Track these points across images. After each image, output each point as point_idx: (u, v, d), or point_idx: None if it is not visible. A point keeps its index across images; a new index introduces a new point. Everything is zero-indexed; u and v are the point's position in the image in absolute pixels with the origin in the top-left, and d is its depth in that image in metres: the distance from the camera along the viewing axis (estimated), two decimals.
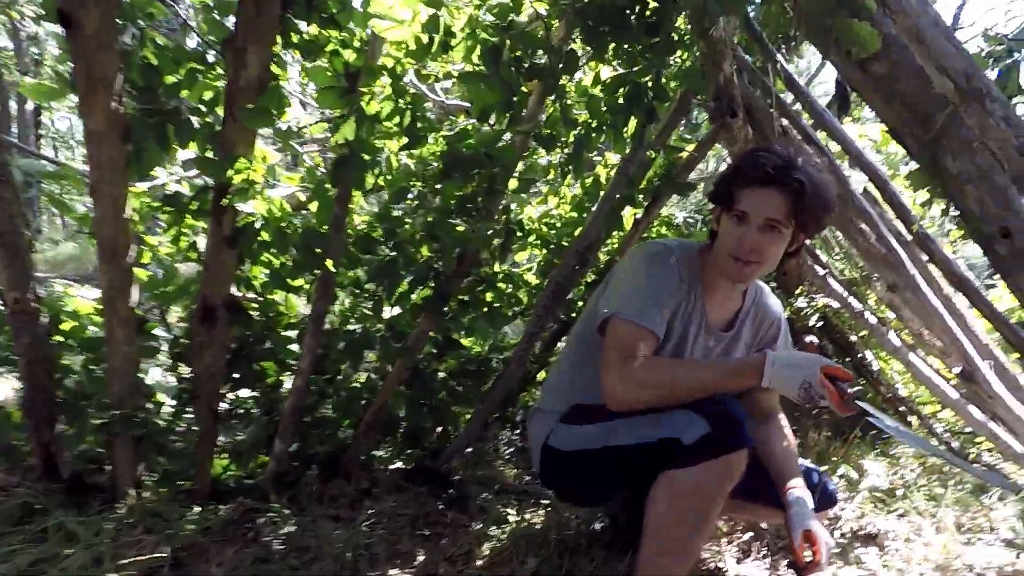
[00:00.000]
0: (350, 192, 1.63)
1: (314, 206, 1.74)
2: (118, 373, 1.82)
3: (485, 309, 2.25)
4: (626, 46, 1.62)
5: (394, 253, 1.70)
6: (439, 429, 2.46)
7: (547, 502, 2.24)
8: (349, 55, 1.43)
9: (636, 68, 1.71)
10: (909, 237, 1.96)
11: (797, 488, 1.54)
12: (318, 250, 1.61)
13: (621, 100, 1.75)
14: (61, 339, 1.84)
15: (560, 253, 2.23)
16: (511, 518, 2.06)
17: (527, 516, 2.12)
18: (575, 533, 1.97)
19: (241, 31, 1.35)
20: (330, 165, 1.59)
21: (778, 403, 1.75)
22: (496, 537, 1.94)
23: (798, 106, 2.00)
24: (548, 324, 2.49)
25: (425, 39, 1.33)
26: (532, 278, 2.35)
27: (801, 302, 2.72)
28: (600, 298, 1.57)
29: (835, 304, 2.48)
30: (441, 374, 2.42)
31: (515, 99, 1.53)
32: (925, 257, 1.96)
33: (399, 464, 2.46)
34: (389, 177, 1.63)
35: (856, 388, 1.29)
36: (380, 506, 2.09)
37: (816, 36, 1.31)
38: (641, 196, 2.30)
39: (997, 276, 1.27)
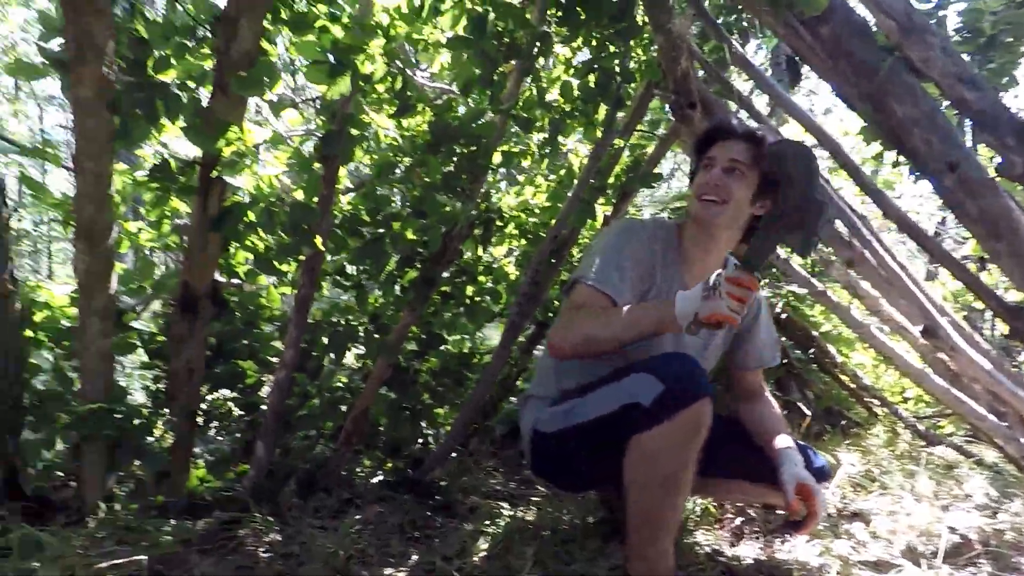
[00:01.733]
0: (337, 169, 1.66)
1: (299, 193, 1.76)
2: (91, 369, 1.75)
3: (467, 302, 2.28)
4: (595, 32, 1.74)
5: (381, 230, 1.72)
6: (420, 440, 2.43)
7: (538, 499, 2.21)
8: (337, 31, 1.50)
9: (604, 55, 1.84)
10: (865, 211, 2.10)
11: (788, 448, 1.57)
12: (305, 227, 1.62)
13: (592, 85, 1.86)
14: (31, 333, 1.77)
15: (538, 243, 2.29)
16: (504, 514, 2.03)
17: (519, 513, 2.09)
18: (570, 526, 1.95)
19: (234, 2, 1.41)
20: (317, 142, 1.62)
21: (763, 382, 1.81)
22: (490, 534, 1.90)
23: (756, 91, 2.15)
24: (527, 322, 2.53)
25: (417, 2, 1.41)
26: (512, 270, 2.39)
27: (766, 291, 2.84)
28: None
29: (800, 290, 2.60)
30: (424, 376, 2.42)
31: (494, 77, 1.62)
32: (881, 229, 2.10)
33: (380, 477, 2.40)
34: (376, 155, 1.68)
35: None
36: (366, 514, 2.02)
37: (772, 5, 1.45)
38: (610, 192, 2.40)
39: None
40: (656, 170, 2.45)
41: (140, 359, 2.00)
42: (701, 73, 2.32)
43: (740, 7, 1.53)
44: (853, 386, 3.22)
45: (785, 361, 3.31)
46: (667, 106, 2.30)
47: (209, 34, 1.56)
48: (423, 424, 2.49)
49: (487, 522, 1.95)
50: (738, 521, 2.02)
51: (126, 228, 1.77)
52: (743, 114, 2.28)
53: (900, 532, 1.92)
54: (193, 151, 1.57)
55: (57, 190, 1.68)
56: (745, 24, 1.93)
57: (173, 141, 1.61)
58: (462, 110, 1.69)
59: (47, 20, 1.46)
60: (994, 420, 1.99)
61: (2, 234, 1.51)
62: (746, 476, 1.62)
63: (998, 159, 1.11)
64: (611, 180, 2.38)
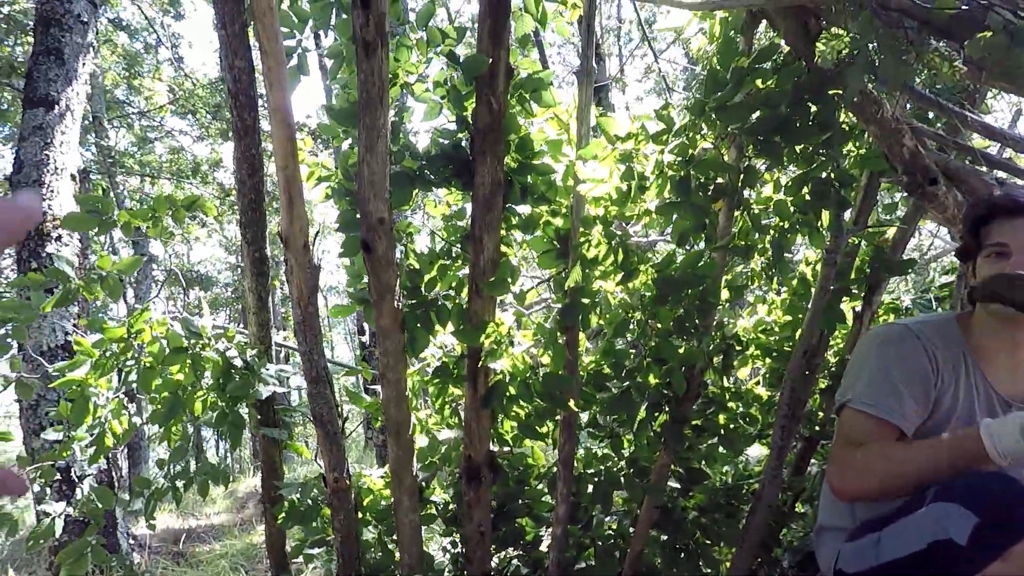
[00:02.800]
0: (577, 335, 1.84)
1: (546, 358, 1.97)
2: (406, 541, 2.06)
3: (721, 431, 2.21)
4: (800, 148, 1.74)
5: (626, 383, 1.82)
6: None
7: None
8: (558, 221, 1.74)
9: (815, 165, 1.81)
10: None
11: None
12: (558, 392, 1.79)
13: (808, 197, 1.83)
14: (360, 515, 2.17)
15: (784, 360, 2.18)
16: None
17: None
18: None
19: (478, 225, 1.73)
20: (556, 315, 1.83)
21: None
22: None
23: (1008, 153, 1.89)
24: (792, 440, 2.35)
25: (624, 187, 1.59)
26: (762, 392, 2.29)
27: None
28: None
29: None
30: (692, 513, 2.34)
31: (707, 220, 1.69)
32: None
33: None
34: (608, 315, 1.83)
35: None
36: None
37: (1003, 78, 1.33)
38: (856, 287, 2.22)
39: None
40: (906, 256, 2.22)
41: (437, 527, 2.29)
42: (935, 145, 2.13)
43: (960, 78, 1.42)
44: None
45: None
46: (902, 189, 2.12)
47: (460, 250, 1.92)
48: (700, 563, 2.36)
49: None
50: None
51: (418, 418, 2.13)
52: (1002, 174, 1.99)
53: None
54: (461, 346, 1.89)
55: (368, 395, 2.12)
56: (968, 88, 1.75)
57: (446, 339, 1.95)
58: (680, 255, 1.77)
59: (351, 270, 1.95)
60: None
61: (339, 440, 1.94)
62: None
63: None
64: (853, 276, 2.21)
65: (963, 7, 1.30)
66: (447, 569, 2.22)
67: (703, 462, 2.23)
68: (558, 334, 1.84)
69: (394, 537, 2.14)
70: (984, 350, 1.40)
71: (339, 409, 1.92)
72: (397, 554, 2.12)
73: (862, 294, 2.28)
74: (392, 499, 2.07)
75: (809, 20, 1.80)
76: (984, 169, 1.94)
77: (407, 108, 1.79)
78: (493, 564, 2.29)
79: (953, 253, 1.51)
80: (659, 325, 1.74)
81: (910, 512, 1.27)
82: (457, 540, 2.24)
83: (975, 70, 1.34)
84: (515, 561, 2.26)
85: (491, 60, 1.59)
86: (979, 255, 1.35)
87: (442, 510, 2.23)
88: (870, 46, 1.49)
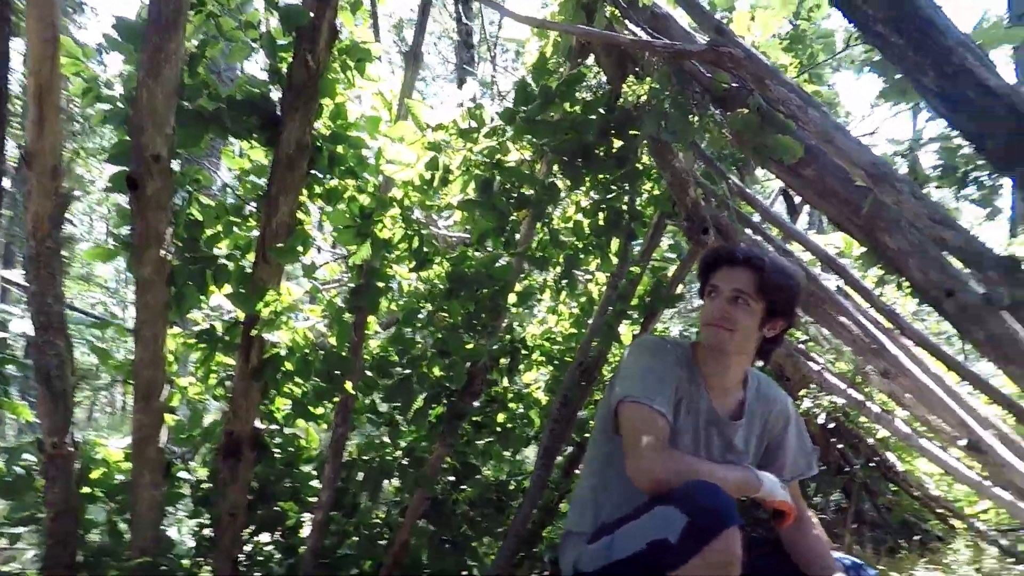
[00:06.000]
0: (366, 317, 1.80)
1: (332, 337, 1.90)
2: (142, 521, 1.84)
3: (499, 430, 2.31)
4: (600, 176, 1.90)
5: (408, 371, 1.82)
6: (464, 572, 2.38)
7: None
8: (364, 199, 1.69)
9: (611, 195, 1.98)
10: (887, 325, 2.08)
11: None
12: (338, 373, 1.74)
13: (602, 223, 1.99)
14: (88, 490, 1.90)
15: (565, 369, 2.35)
16: None
17: None
18: None
19: (276, 186, 1.62)
20: (347, 294, 1.78)
21: (800, 497, 1.75)
22: None
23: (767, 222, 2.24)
24: (561, 444, 2.53)
25: (428, 176, 1.60)
26: (542, 396, 2.44)
27: (807, 402, 2.77)
28: (606, 396, 1.65)
29: (839, 400, 2.53)
30: (463, 507, 2.41)
31: (508, 226, 1.76)
32: (908, 341, 2.07)
33: None
34: (401, 302, 1.82)
35: None
36: None
37: (754, 153, 1.57)
38: (636, 313, 2.47)
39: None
40: (679, 290, 2.52)
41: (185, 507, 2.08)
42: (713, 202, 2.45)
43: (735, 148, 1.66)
44: (921, 496, 3.00)
45: (847, 470, 3.14)
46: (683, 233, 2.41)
47: (255, 210, 1.78)
48: (466, 556, 2.44)
49: None
50: None
51: (178, 384, 1.93)
52: (759, 238, 2.35)
53: None
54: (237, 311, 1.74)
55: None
56: (742, 161, 2.05)
57: (220, 301, 1.79)
58: (480, 255, 1.83)
59: (122, 211, 1.71)
60: None
61: (67, 400, 1.68)
62: None
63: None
64: (635, 302, 2.46)
65: (734, 84, 1.52)
66: (188, 554, 2.03)
67: (480, 458, 2.31)
68: (346, 313, 1.78)
69: (127, 516, 1.91)
70: (705, 374, 1.64)
71: (73, 365, 1.66)
72: (129, 536, 1.89)
73: (641, 320, 2.54)
74: (132, 473, 1.84)
75: (627, 63, 1.98)
76: (743, 228, 2.29)
77: (214, 42, 1.61)
78: (247, 549, 2.15)
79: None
80: (448, 318, 1.78)
81: (639, 516, 1.42)
82: (203, 523, 2.06)
83: (736, 141, 1.57)
84: (269, 547, 2.13)
85: (314, 15, 1.50)
86: (704, 293, 1.57)
87: (195, 488, 2.03)
88: (666, 101, 1.67)
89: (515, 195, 1.74)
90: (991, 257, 1.08)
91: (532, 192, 1.79)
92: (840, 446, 3.14)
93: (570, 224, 2.00)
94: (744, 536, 1.31)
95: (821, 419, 2.82)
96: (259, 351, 1.77)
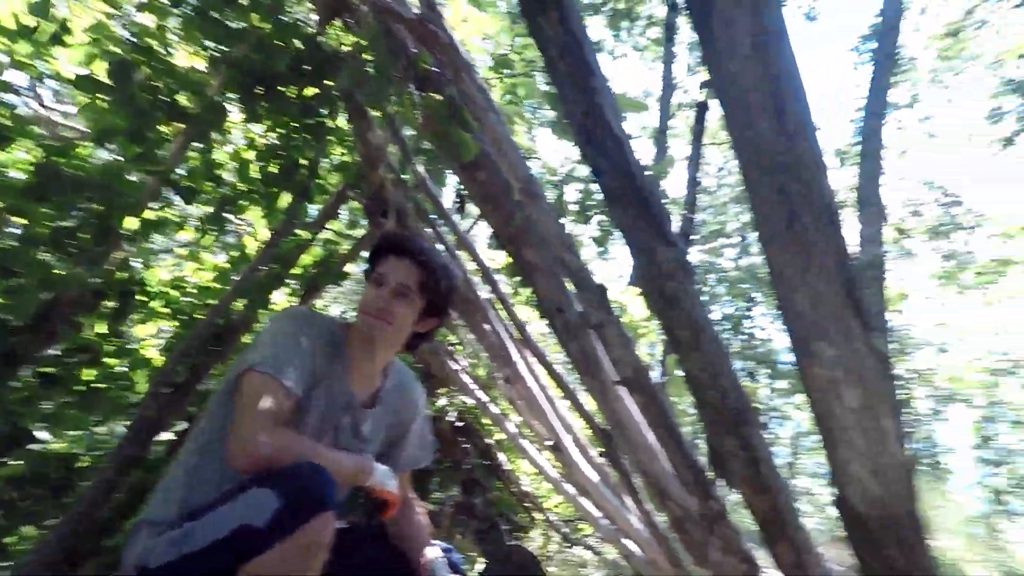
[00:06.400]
0: None
1: None
2: None
3: (83, 389, 1.84)
4: (284, 118, 1.70)
5: None
6: None
7: None
8: None
9: (292, 144, 1.80)
10: (520, 337, 2.35)
11: (432, 553, 1.56)
12: None
13: (275, 170, 1.79)
14: None
15: (193, 327, 2.02)
16: None
17: None
18: None
19: None
20: None
21: (409, 485, 1.80)
22: None
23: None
24: (172, 417, 2.16)
25: (32, 21, 1.17)
26: (157, 357, 2.05)
27: (443, 400, 2.96)
28: (234, 366, 1.46)
29: (469, 401, 2.77)
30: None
31: (151, 135, 1.43)
32: (530, 355, 2.37)
33: None
34: None
35: None
36: None
37: (436, 142, 1.60)
38: (296, 281, 2.30)
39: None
40: (347, 268, 2.44)
41: None
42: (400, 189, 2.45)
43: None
44: (516, 491, 3.48)
45: (468, 467, 3.46)
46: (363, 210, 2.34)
47: None
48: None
49: None
50: None
51: None
52: (433, 235, 2.42)
53: None
54: None
55: None
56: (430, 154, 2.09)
57: None
58: (103, 158, 1.44)
59: None
60: (606, 523, 2.29)
61: None
62: None
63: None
64: (298, 271, 2.28)
65: (435, 68, 1.53)
66: None
67: (40, 423, 1.79)
68: None
69: None
70: (352, 357, 1.58)
71: None
72: None
73: (302, 292, 2.37)
74: None
75: (341, 10, 1.84)
76: (427, 228, 2.34)
77: None
78: None
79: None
80: (25, 225, 1.33)
81: (228, 500, 1.25)
82: None
83: (425, 125, 1.58)
84: None
85: None
86: (368, 277, 1.53)
87: None
88: (370, 59, 1.59)
89: (169, 101, 1.42)
90: (590, 282, 1.27)
91: (192, 106, 1.50)
92: (465, 444, 3.45)
93: (235, 163, 1.73)
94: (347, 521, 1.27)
95: (452, 417, 3.05)
96: None
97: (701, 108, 6.68)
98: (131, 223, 1.50)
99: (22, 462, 1.85)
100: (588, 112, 1.11)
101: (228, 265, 2.04)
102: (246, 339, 2.38)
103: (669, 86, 6.91)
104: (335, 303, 3.29)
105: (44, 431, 1.82)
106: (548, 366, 1.95)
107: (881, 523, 0.88)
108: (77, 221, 1.41)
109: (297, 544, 1.17)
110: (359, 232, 2.50)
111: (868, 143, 2.40)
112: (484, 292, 2.47)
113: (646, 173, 1.06)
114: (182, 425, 2.42)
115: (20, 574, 1.82)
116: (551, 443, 2.11)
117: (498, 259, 2.81)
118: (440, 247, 2.47)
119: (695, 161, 6.67)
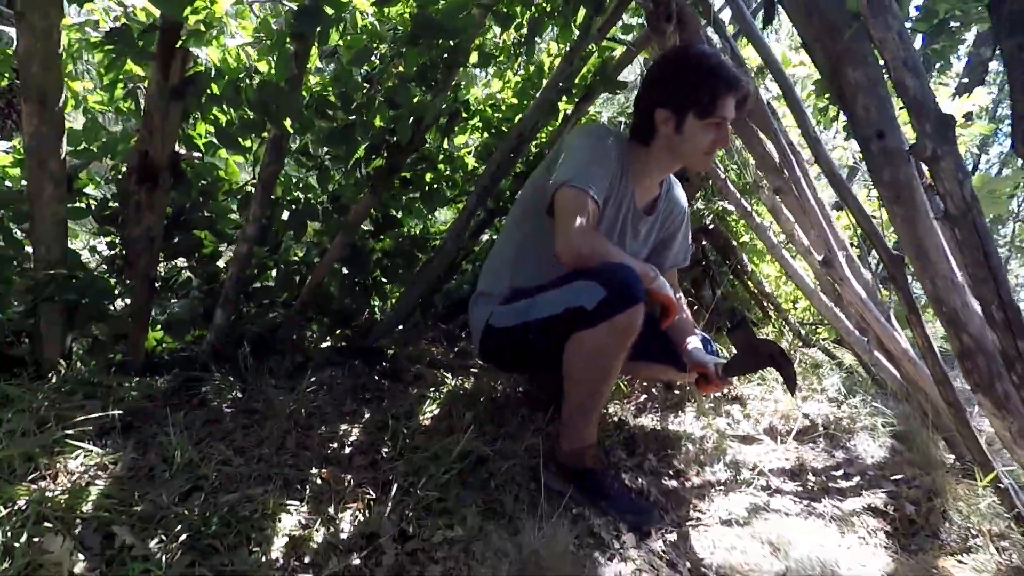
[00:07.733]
0: (310, 49, 1.61)
1: (265, 64, 1.69)
2: (46, 235, 1.72)
3: (425, 188, 2.33)
4: None
5: (352, 118, 1.72)
6: (368, 312, 2.56)
7: (475, 370, 2.45)
8: None
9: None
10: (802, 145, 2.28)
11: (694, 340, 1.86)
12: (275, 106, 1.60)
13: None
14: None
15: (499, 138, 2.34)
16: (446, 382, 2.25)
17: (459, 381, 2.32)
18: (501, 395, 2.22)
19: None
20: (288, 17, 1.55)
21: (676, 280, 2.06)
22: (433, 398, 2.10)
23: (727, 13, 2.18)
24: (480, 210, 2.63)
25: None
26: (471, 160, 2.44)
27: (700, 203, 3.07)
28: (545, 174, 1.72)
29: (730, 207, 2.83)
30: (378, 254, 2.50)
31: None
32: (811, 166, 2.30)
33: (329, 343, 2.52)
34: (350, 38, 1.63)
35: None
36: (319, 376, 2.14)
37: None
38: (574, 91, 2.43)
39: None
40: (621, 77, 2.49)
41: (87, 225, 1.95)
42: None
43: None
44: (756, 291, 3.62)
45: (703, 263, 3.65)
46: (644, 15, 2.29)
47: None
48: (374, 297, 2.61)
49: (431, 388, 2.18)
50: (642, 398, 2.38)
51: (72, 87, 1.66)
52: (714, 36, 2.30)
53: (767, 414, 2.35)
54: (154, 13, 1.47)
55: None
56: None
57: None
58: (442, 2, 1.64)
59: None
60: (858, 335, 2.39)
61: None
62: (654, 358, 1.90)
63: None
64: (576, 81, 2.40)
65: None
66: (100, 271, 1.97)
67: (402, 212, 2.35)
68: (287, 40, 1.58)
69: (24, 226, 1.76)
70: (639, 173, 1.76)
71: None
72: (29, 248, 1.77)
73: (577, 100, 2.52)
74: (26, 183, 1.66)
75: None
76: (704, 23, 2.23)
77: None
78: (162, 274, 2.12)
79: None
80: (402, 67, 1.64)
81: (559, 286, 1.61)
82: (116, 242, 1.97)
83: None
84: (186, 272, 2.12)
85: None
86: (693, 111, 1.60)
87: (99, 205, 1.89)
88: None
89: None
90: (935, 110, 1.21)
91: None
92: (704, 243, 3.59)
93: None
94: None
95: (707, 220, 3.16)
96: (181, 66, 1.55)
97: None
98: (473, 57, 1.74)
99: (390, 240, 2.46)
100: None
101: (527, 81, 2.24)
102: (532, 148, 2.67)
103: None
104: (603, 106, 3.38)
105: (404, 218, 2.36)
106: (839, 183, 1.91)
107: None
108: (433, 58, 1.67)
109: (616, 326, 1.50)
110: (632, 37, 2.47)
111: None
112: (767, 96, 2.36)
113: None
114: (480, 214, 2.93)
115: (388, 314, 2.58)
116: (821, 258, 2.16)
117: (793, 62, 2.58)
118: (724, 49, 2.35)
119: None
